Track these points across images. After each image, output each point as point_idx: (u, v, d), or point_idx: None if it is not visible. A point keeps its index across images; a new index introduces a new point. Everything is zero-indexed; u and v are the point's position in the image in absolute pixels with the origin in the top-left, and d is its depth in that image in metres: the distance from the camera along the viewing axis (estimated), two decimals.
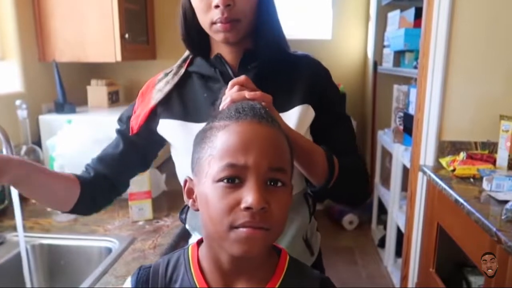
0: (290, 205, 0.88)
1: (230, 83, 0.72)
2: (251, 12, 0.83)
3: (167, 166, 1.47)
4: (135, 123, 0.91)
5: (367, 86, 3.81)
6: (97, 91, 1.90)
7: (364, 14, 3.87)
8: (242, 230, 0.55)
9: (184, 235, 1.27)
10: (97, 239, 1.25)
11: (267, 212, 0.56)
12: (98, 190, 0.91)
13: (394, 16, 2.98)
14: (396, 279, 2.62)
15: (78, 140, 1.40)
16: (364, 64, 3.92)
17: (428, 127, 1.92)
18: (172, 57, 2.08)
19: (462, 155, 1.77)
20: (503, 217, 1.27)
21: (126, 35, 1.75)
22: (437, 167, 1.86)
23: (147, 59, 2.08)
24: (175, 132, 0.89)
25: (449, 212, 1.62)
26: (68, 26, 1.74)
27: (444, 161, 1.84)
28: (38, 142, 1.61)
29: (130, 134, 0.92)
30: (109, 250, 1.20)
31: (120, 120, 0.97)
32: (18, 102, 1.47)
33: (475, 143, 1.88)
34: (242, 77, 0.73)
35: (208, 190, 0.58)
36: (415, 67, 2.36)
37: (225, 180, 0.56)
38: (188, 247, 0.67)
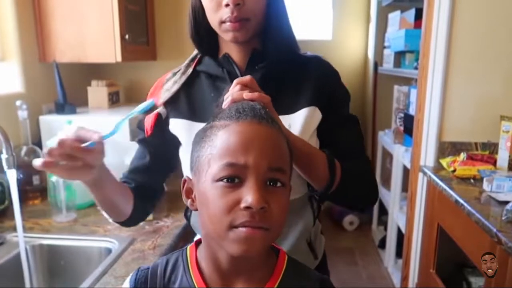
0: (294, 208, 0.88)
1: (234, 82, 0.72)
2: (260, 11, 0.83)
3: None
4: (148, 124, 0.91)
5: (367, 87, 3.80)
6: (97, 91, 1.90)
7: (364, 14, 3.87)
8: (242, 229, 0.55)
9: (184, 236, 1.28)
10: (97, 239, 1.25)
11: (266, 212, 0.56)
12: (145, 198, 0.91)
13: (394, 17, 2.99)
14: (396, 280, 2.62)
15: None
16: (365, 64, 3.92)
17: (429, 127, 1.91)
18: (172, 58, 2.12)
19: (463, 155, 1.77)
20: (503, 218, 1.26)
21: (127, 36, 1.75)
22: (438, 168, 1.86)
23: (147, 60, 2.08)
24: (182, 131, 0.89)
25: (450, 213, 1.62)
26: (68, 26, 1.75)
27: (444, 162, 1.84)
28: (38, 142, 1.61)
29: (146, 136, 0.92)
30: (108, 251, 1.20)
31: (139, 127, 0.96)
32: (18, 103, 1.47)
33: (476, 143, 1.88)
34: (246, 77, 0.73)
35: (207, 190, 0.58)
36: (416, 68, 2.36)
37: (225, 180, 0.56)
38: (186, 248, 0.67)
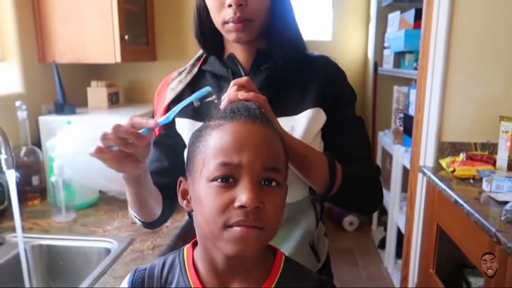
0: (296, 210, 0.88)
1: (231, 83, 0.72)
2: (264, 12, 0.82)
3: None
4: None
5: (367, 87, 3.81)
6: (97, 92, 1.90)
7: (364, 15, 3.87)
8: (236, 229, 0.55)
9: (183, 236, 1.28)
10: (96, 240, 1.25)
11: (261, 211, 0.56)
12: (170, 199, 0.89)
13: (394, 17, 2.99)
14: (396, 280, 2.62)
15: (78, 141, 1.40)
16: (365, 65, 3.93)
17: (428, 128, 1.91)
18: (172, 58, 2.12)
19: (462, 156, 1.77)
20: (502, 218, 1.26)
21: (126, 37, 1.76)
22: (437, 168, 1.86)
23: (147, 60, 2.08)
24: (186, 131, 0.89)
25: (449, 213, 1.62)
26: (68, 27, 1.75)
27: (444, 162, 1.84)
28: (38, 143, 1.61)
29: (154, 136, 0.91)
30: (108, 251, 1.20)
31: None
32: (18, 103, 1.47)
33: (475, 144, 1.88)
34: (243, 78, 0.73)
35: (202, 190, 0.58)
36: (415, 68, 2.36)
37: (219, 180, 0.56)
38: (183, 249, 0.67)
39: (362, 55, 3.93)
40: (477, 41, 1.82)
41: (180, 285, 0.62)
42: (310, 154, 0.79)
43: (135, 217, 0.87)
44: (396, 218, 2.69)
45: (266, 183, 0.58)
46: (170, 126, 0.90)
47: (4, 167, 1.07)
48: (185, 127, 0.89)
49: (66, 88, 1.76)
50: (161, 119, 0.69)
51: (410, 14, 2.66)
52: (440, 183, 1.65)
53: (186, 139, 0.89)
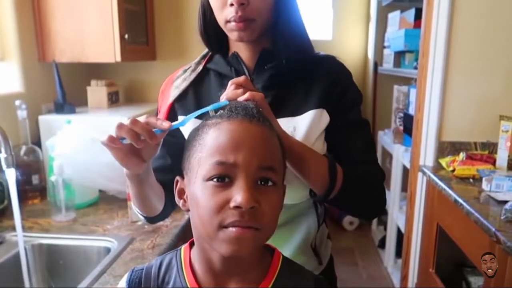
0: (297, 212, 0.87)
1: (229, 82, 0.72)
2: (266, 11, 0.80)
3: None
4: None
5: (367, 87, 3.81)
6: (97, 91, 1.90)
7: (364, 14, 3.87)
8: (231, 229, 0.55)
9: (183, 235, 1.28)
10: (96, 239, 1.25)
11: (257, 211, 0.55)
12: (171, 195, 0.88)
13: (394, 16, 2.99)
14: (396, 280, 2.62)
15: (78, 140, 1.41)
16: (365, 64, 3.93)
17: (428, 127, 1.91)
18: (172, 57, 2.12)
19: (462, 155, 1.77)
20: (502, 217, 1.26)
21: (126, 36, 1.76)
22: (437, 168, 1.86)
23: (147, 59, 2.08)
24: (189, 130, 0.88)
25: (449, 213, 1.62)
26: (68, 26, 1.75)
27: (444, 162, 1.84)
28: (37, 142, 1.61)
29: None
30: (108, 250, 1.20)
31: None
32: (17, 102, 1.47)
33: (475, 143, 1.88)
34: (241, 77, 0.73)
35: (198, 189, 0.58)
36: (415, 68, 2.36)
37: (215, 179, 0.56)
38: (180, 249, 0.67)
39: (362, 55, 3.92)
40: (477, 40, 1.82)
41: (177, 285, 0.62)
42: (309, 155, 0.78)
43: (137, 211, 0.87)
44: (396, 217, 2.69)
45: (263, 182, 0.57)
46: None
47: (4, 166, 1.07)
48: (189, 126, 0.88)
49: (66, 88, 1.76)
50: (176, 123, 0.68)
51: (410, 13, 2.66)
52: (440, 183, 1.65)
53: None
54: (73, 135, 1.44)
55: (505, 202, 1.33)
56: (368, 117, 3.75)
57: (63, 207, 1.37)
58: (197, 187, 0.58)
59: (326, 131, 0.85)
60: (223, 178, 0.56)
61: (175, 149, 0.90)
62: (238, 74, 0.86)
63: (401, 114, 2.65)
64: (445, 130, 1.90)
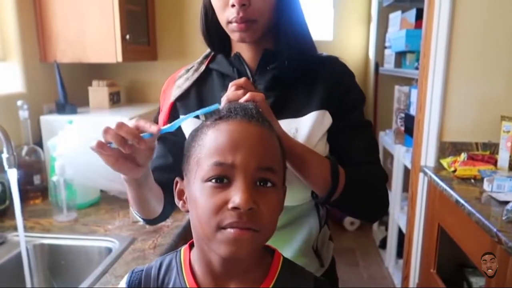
0: (298, 214, 0.87)
1: (230, 84, 0.72)
2: (268, 12, 0.80)
3: None
4: (161, 121, 0.90)
5: (368, 87, 3.80)
6: (98, 91, 1.90)
7: (365, 15, 3.87)
8: (230, 231, 0.54)
9: (184, 235, 1.28)
10: (98, 239, 1.25)
11: (255, 212, 0.55)
12: (170, 195, 0.88)
13: (395, 17, 2.99)
14: (397, 280, 2.62)
15: (79, 140, 1.41)
16: (366, 65, 3.92)
17: (429, 128, 1.91)
18: (173, 58, 2.12)
19: (463, 156, 1.77)
20: (503, 218, 1.26)
21: (127, 36, 1.76)
22: (438, 168, 1.86)
23: (148, 60, 2.09)
24: (190, 130, 0.88)
25: (450, 213, 1.62)
26: (69, 27, 1.75)
27: (445, 162, 1.84)
28: (39, 142, 1.62)
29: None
30: (109, 250, 1.20)
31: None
32: (19, 103, 1.48)
33: (476, 144, 1.87)
34: (242, 79, 0.73)
35: (197, 190, 0.57)
36: (416, 68, 2.36)
37: (213, 180, 0.55)
38: (180, 250, 0.66)
39: (363, 55, 3.92)
40: (478, 41, 1.82)
41: (177, 286, 0.62)
42: (310, 156, 0.77)
43: (136, 214, 0.86)
44: (397, 218, 2.68)
45: (262, 183, 0.57)
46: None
47: (6, 166, 1.07)
48: (190, 125, 0.88)
49: (67, 88, 1.76)
50: (165, 127, 0.68)
51: (411, 14, 2.66)
52: (441, 183, 1.65)
53: None
54: (75, 135, 1.44)
55: (507, 202, 1.33)
56: (369, 117, 3.74)
57: (65, 207, 1.37)
58: (196, 188, 0.57)
59: (329, 132, 0.85)
60: (221, 179, 0.55)
61: (177, 148, 0.89)
62: (240, 74, 0.86)
63: (402, 115, 2.64)
64: (446, 131, 1.90)
